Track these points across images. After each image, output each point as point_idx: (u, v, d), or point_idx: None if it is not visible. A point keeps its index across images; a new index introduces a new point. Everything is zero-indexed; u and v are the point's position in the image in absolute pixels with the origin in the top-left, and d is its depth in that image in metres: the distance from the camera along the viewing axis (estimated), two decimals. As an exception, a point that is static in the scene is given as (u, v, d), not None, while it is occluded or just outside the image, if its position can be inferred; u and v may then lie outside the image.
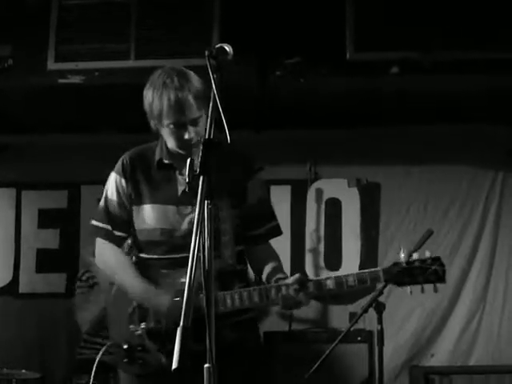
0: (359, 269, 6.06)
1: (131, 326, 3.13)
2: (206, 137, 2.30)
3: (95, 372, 4.73)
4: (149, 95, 3.07)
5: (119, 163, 3.32)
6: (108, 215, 3.23)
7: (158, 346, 3.04)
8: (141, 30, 5.32)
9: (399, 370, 5.90)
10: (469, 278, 6.01)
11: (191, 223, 3.02)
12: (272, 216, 3.33)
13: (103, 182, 6.27)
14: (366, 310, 3.84)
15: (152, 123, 3.12)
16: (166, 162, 3.17)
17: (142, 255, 3.23)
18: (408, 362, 5.88)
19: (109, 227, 3.24)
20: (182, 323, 2.07)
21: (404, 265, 3.02)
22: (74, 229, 6.37)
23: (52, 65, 5.31)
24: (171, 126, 3.03)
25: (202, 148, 2.27)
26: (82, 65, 5.33)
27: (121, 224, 3.26)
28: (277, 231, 3.34)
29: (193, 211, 3.05)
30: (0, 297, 6.32)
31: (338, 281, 3.00)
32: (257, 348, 3.27)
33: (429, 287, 3.09)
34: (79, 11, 5.38)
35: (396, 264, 3.03)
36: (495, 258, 6.03)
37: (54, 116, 5.80)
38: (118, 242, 3.29)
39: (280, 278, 3.08)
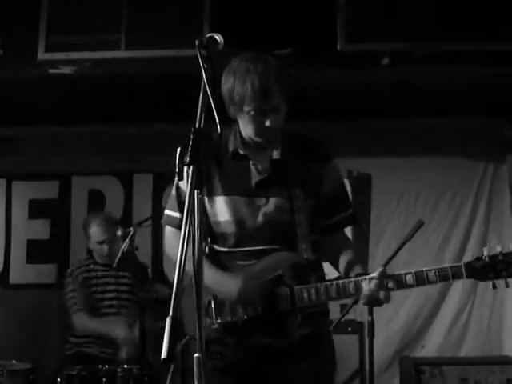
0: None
1: (207, 320, 3.04)
2: (196, 126, 2.28)
3: (83, 363, 4.76)
4: (229, 81, 2.93)
5: None
6: (180, 204, 3.12)
7: (235, 340, 2.99)
8: (131, 20, 5.31)
9: (390, 361, 5.93)
10: (459, 270, 6.03)
11: (265, 215, 3.01)
12: (347, 204, 3.20)
13: (94, 172, 6.37)
14: (356, 301, 3.82)
15: (231, 110, 2.99)
16: (242, 152, 3.08)
17: (214, 246, 3.14)
18: (398, 353, 5.92)
19: (181, 216, 3.11)
20: (171, 313, 2.04)
21: (487, 259, 2.88)
22: (65, 219, 6.37)
23: (42, 55, 5.30)
24: (252, 113, 2.93)
25: (192, 137, 2.25)
26: (72, 55, 5.32)
27: None
28: (352, 220, 3.21)
29: (268, 202, 3.02)
30: (-10, 287, 6.33)
31: (419, 276, 2.88)
32: (327, 346, 3.16)
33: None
34: (70, 1, 5.37)
35: (479, 258, 2.89)
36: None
37: (44, 107, 5.78)
38: None
39: (359, 274, 2.97)
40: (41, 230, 6.38)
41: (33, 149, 6.31)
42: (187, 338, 3.19)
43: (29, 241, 6.38)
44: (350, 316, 5.00)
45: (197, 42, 2.43)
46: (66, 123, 6.08)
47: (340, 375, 5.28)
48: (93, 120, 6.00)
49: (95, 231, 5.34)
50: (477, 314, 6.05)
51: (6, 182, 6.45)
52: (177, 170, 2.26)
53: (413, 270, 2.89)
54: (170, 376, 4.10)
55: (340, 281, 2.96)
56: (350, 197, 3.33)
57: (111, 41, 5.29)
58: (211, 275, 3.00)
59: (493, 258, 2.87)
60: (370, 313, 4.14)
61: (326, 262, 3.18)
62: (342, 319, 4.15)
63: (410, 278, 2.89)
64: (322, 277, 3.10)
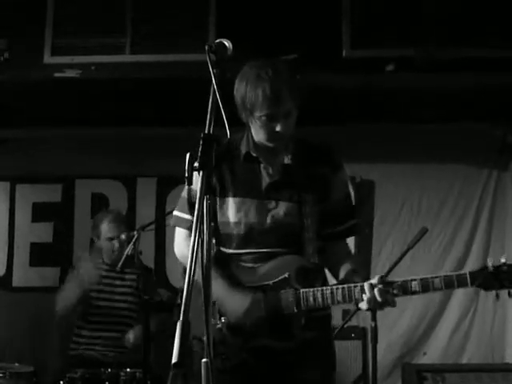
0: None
1: (211, 320, 3.08)
2: (206, 131, 2.29)
3: (86, 366, 4.76)
4: (241, 88, 2.98)
5: None
6: (191, 207, 3.14)
7: (241, 342, 3.01)
8: (136, 24, 5.33)
9: (392, 368, 5.92)
10: (462, 277, 6.03)
11: (274, 218, 3.04)
12: (353, 214, 3.24)
13: (97, 176, 6.37)
14: (359, 308, 3.84)
15: (243, 115, 3.03)
16: (254, 155, 3.11)
17: (221, 248, 3.16)
18: (401, 360, 5.90)
19: (192, 218, 3.08)
20: (182, 318, 2.04)
21: (491, 269, 2.92)
22: (68, 223, 6.37)
23: (48, 59, 5.32)
24: (263, 118, 2.97)
25: (202, 143, 2.26)
26: (78, 59, 5.33)
27: None
28: (356, 229, 3.26)
29: (277, 206, 3.05)
30: (-6, 290, 6.33)
31: (425, 283, 2.90)
32: (328, 350, 3.19)
33: None
34: (76, 5, 5.38)
35: (484, 268, 2.93)
36: (488, 256, 6.01)
37: (49, 110, 5.78)
38: None
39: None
40: (44, 233, 6.38)
41: (37, 152, 6.31)
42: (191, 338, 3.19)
43: (32, 244, 6.38)
44: (353, 322, 5.00)
45: (206, 47, 2.43)
46: (70, 126, 6.09)
47: (343, 381, 5.28)
48: (97, 124, 6.00)
49: (106, 228, 5.34)
50: (479, 320, 6.04)
51: (10, 185, 6.45)
52: (186, 175, 2.26)
53: (418, 277, 2.92)
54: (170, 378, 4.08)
55: (346, 285, 2.98)
56: (355, 207, 3.34)
57: (116, 45, 5.31)
58: (219, 288, 3.00)
59: (497, 268, 2.92)
60: (374, 319, 4.13)
61: (326, 268, 3.20)
62: (345, 325, 4.15)
63: (415, 285, 2.91)
64: (325, 281, 3.13)
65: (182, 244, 3.23)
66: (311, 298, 2.96)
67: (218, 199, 3.10)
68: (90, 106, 5.77)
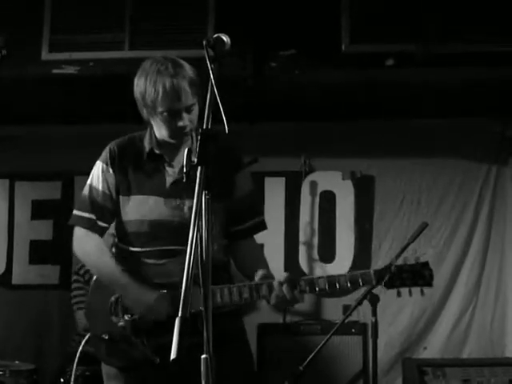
0: (353, 262, 6.09)
1: (113, 318, 3.06)
2: (204, 127, 2.28)
3: (88, 363, 4.75)
4: (141, 83, 3.02)
5: (106, 152, 3.23)
6: (92, 205, 3.17)
7: (143, 339, 2.99)
8: (135, 20, 5.31)
9: (392, 363, 5.92)
10: (462, 272, 6.03)
11: (179, 216, 3.04)
12: (257, 211, 3.28)
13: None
14: (360, 303, 3.85)
15: (144, 112, 3.07)
16: (157, 152, 3.13)
17: (124, 246, 3.17)
18: (401, 355, 5.90)
19: (93, 217, 3.17)
20: (180, 314, 2.06)
21: (394, 268, 3.05)
22: (68, 220, 6.33)
23: (46, 55, 5.30)
24: (165, 114, 2.99)
25: (200, 138, 2.25)
26: (76, 55, 5.31)
27: (106, 214, 3.19)
28: (261, 226, 3.28)
29: (181, 203, 3.06)
30: (-7, 288, 6.32)
31: (331, 281, 2.96)
32: (239, 340, 3.20)
33: (416, 290, 3.13)
34: (74, 1, 5.37)
35: (387, 267, 3.05)
36: (488, 251, 6.04)
37: (48, 106, 5.78)
38: (100, 233, 3.21)
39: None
40: (44, 230, 6.37)
41: (36, 149, 6.30)
42: (88, 336, 3.20)
43: (31, 241, 6.36)
44: (353, 317, 4.99)
45: (204, 42, 2.42)
46: (69, 123, 6.08)
47: (343, 376, 5.28)
48: (96, 120, 6.00)
49: None
50: (479, 315, 6.03)
51: (9, 183, 6.44)
52: (185, 170, 2.26)
53: (325, 275, 2.99)
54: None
55: (253, 282, 3.00)
56: (261, 204, 3.36)
57: (115, 41, 5.29)
58: (124, 284, 3.03)
59: (400, 267, 3.06)
60: (374, 314, 4.12)
61: (237, 269, 3.23)
62: (346, 321, 4.15)
63: (322, 282, 2.96)
64: (230, 279, 3.15)
65: (83, 239, 3.22)
66: (218, 295, 2.95)
67: (120, 198, 3.12)
68: (89, 102, 5.76)
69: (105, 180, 3.18)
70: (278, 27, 5.15)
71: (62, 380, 4.59)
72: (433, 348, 6.00)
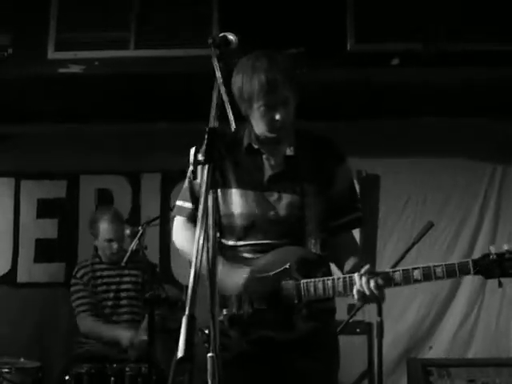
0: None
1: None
2: (210, 125, 2.28)
3: (92, 361, 4.76)
4: (238, 80, 2.99)
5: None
6: (192, 195, 3.15)
7: (240, 333, 2.98)
8: (141, 19, 5.32)
9: (397, 362, 5.92)
10: (467, 272, 6.02)
11: (277, 210, 3.03)
12: (356, 206, 3.21)
13: (102, 171, 6.36)
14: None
15: (242, 108, 3.03)
16: (256, 147, 3.12)
17: (223, 240, 3.14)
18: (406, 354, 5.90)
19: (192, 207, 3.16)
20: (187, 312, 2.02)
21: (494, 256, 2.89)
22: (73, 218, 6.38)
23: (52, 54, 5.31)
24: (262, 108, 2.97)
25: (207, 136, 2.25)
26: (81, 54, 5.32)
27: None
28: (358, 223, 3.23)
29: (279, 198, 3.05)
30: (-1, 286, 6.33)
31: (426, 272, 2.88)
32: (332, 343, 3.15)
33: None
34: (79, 0, 5.37)
35: (486, 255, 2.90)
36: (494, 251, 6.03)
37: (53, 105, 5.78)
38: None
39: None
40: (49, 229, 6.39)
41: (41, 148, 6.31)
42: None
43: (37, 240, 6.38)
44: (359, 317, 4.99)
45: (210, 41, 2.42)
46: (74, 122, 6.08)
47: (348, 376, 5.27)
48: (101, 119, 6.00)
49: (105, 228, 5.31)
50: (485, 315, 6.03)
51: (15, 181, 6.45)
52: (191, 169, 2.25)
53: (420, 265, 2.89)
54: (171, 373, 4.04)
55: (347, 276, 2.95)
56: (359, 200, 3.32)
57: (120, 40, 5.29)
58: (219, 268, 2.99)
59: (500, 255, 2.88)
60: (379, 313, 4.12)
61: (331, 261, 3.18)
62: (351, 320, 4.15)
63: (417, 274, 2.89)
64: (328, 273, 3.10)
65: (182, 228, 3.22)
66: (312, 289, 2.94)
67: (220, 191, 3.08)
68: (95, 101, 5.77)
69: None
70: (284, 25, 5.15)
71: (67, 378, 4.59)
72: (438, 348, 6.00)
